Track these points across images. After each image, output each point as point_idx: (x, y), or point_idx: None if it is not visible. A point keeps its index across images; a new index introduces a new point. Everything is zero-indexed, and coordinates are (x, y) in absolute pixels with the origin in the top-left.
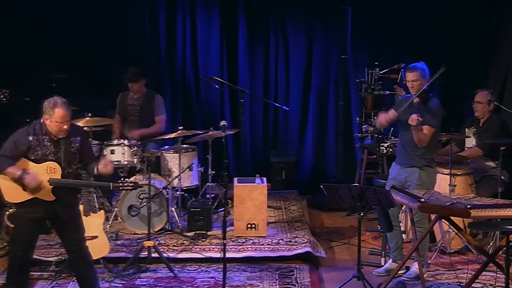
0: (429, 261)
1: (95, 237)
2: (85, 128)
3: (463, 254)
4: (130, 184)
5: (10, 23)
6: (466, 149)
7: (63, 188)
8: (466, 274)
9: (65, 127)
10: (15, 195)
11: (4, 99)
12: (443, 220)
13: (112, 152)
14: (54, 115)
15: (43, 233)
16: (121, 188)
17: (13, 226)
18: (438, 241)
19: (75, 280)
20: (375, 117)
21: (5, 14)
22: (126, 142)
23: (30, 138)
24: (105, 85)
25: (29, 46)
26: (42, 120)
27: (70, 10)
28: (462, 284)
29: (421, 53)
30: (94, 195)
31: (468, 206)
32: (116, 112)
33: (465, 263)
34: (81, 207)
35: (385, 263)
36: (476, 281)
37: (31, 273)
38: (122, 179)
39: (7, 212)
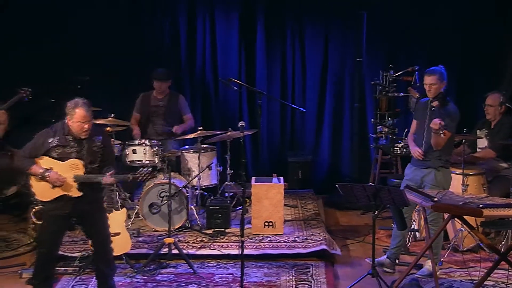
0: (442, 259)
1: (118, 233)
2: (107, 128)
3: (476, 252)
4: (148, 171)
5: (39, 29)
6: (478, 150)
7: (88, 185)
8: (478, 272)
9: (87, 126)
10: (45, 193)
11: (27, 98)
12: (456, 219)
13: (134, 151)
14: (75, 115)
15: (68, 230)
16: (138, 178)
17: (39, 222)
18: (451, 239)
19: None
20: (389, 119)
21: (35, 20)
22: (147, 142)
23: (50, 139)
24: (127, 87)
25: (56, 50)
26: (65, 121)
27: (94, 15)
28: (474, 282)
29: (434, 57)
30: (116, 193)
31: (481, 206)
32: (135, 111)
33: (477, 261)
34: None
35: (399, 261)
36: (488, 278)
37: (56, 268)
38: (141, 169)
39: (33, 210)
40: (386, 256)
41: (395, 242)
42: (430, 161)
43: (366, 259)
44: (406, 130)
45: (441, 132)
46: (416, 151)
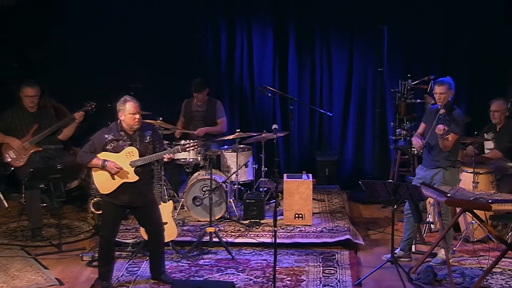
0: (454, 249)
1: (165, 223)
2: (158, 131)
3: (485, 243)
4: (194, 143)
5: (100, 44)
6: (486, 151)
7: (143, 171)
8: (487, 260)
9: (137, 117)
10: (106, 186)
11: (92, 111)
12: (467, 212)
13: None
14: (126, 108)
15: (122, 219)
16: (187, 148)
17: (97, 212)
18: (463, 231)
19: (148, 260)
20: (407, 122)
21: (96, 37)
22: (191, 142)
23: (106, 135)
24: (174, 94)
25: (113, 61)
26: (118, 121)
27: (146, 32)
28: (483, 269)
29: (448, 67)
30: (164, 187)
31: (490, 201)
32: (181, 115)
33: (486, 251)
34: None
35: (415, 250)
36: (496, 266)
37: None
38: (188, 141)
39: (92, 201)
40: (399, 249)
41: (406, 234)
42: (439, 161)
43: (383, 257)
44: None
45: (446, 136)
46: (418, 143)
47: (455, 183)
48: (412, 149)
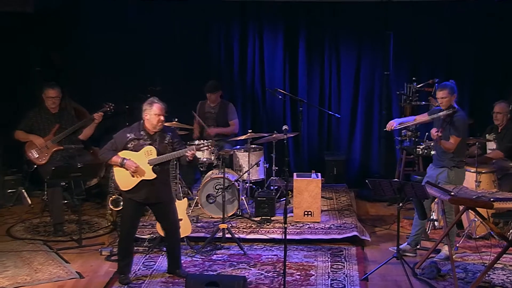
0: (457, 245)
1: (180, 219)
2: (177, 133)
3: (487, 239)
4: (208, 143)
5: (118, 48)
6: (488, 151)
7: (161, 170)
8: (489, 256)
9: (162, 118)
10: (126, 183)
11: (110, 112)
12: (470, 210)
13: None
14: (153, 108)
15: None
16: (201, 148)
17: (116, 209)
18: (466, 228)
19: (164, 255)
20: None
21: (114, 41)
22: (205, 142)
23: (128, 135)
24: (189, 96)
25: (131, 65)
26: (141, 121)
27: (162, 37)
28: (485, 264)
29: (452, 71)
30: (179, 185)
31: (492, 199)
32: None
33: (488, 247)
34: None
35: (420, 246)
36: (498, 262)
37: None
38: (203, 142)
39: (111, 198)
40: (407, 243)
41: (414, 230)
42: (444, 161)
43: (390, 248)
44: (426, 134)
45: (438, 140)
46: (433, 131)
47: (460, 183)
48: (417, 149)
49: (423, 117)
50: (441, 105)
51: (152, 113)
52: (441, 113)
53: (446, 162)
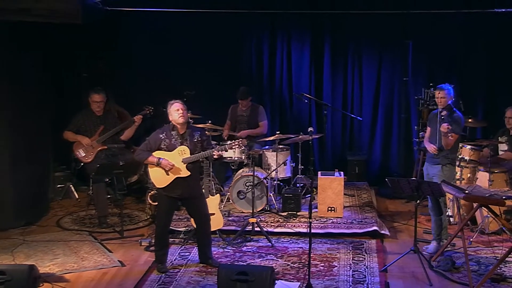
0: (471, 239)
1: (213, 214)
2: (205, 132)
3: (499, 235)
4: (239, 141)
5: (157, 55)
6: (500, 152)
7: (193, 167)
8: (501, 250)
9: (180, 112)
10: (161, 180)
11: (149, 115)
12: (483, 207)
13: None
14: (173, 107)
15: (175, 210)
16: (233, 147)
17: (154, 203)
18: (479, 224)
19: (197, 246)
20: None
21: (154, 49)
22: (235, 141)
23: (161, 135)
24: (222, 99)
25: (169, 71)
26: (171, 122)
27: (197, 44)
28: (497, 258)
29: (466, 77)
30: (212, 182)
31: (504, 197)
32: (228, 119)
33: (500, 242)
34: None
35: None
36: (509, 256)
37: None
38: (233, 141)
39: (149, 193)
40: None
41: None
42: (439, 159)
43: (424, 251)
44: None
45: (449, 134)
46: (431, 147)
47: (451, 180)
48: None
49: (428, 131)
50: (439, 104)
51: (172, 111)
52: (443, 113)
53: (441, 160)
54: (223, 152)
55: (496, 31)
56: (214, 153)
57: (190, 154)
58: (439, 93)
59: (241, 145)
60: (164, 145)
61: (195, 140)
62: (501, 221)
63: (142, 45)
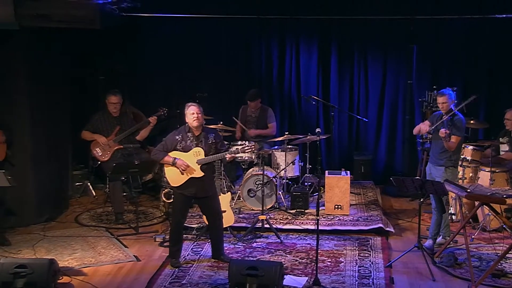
0: (473, 237)
1: (224, 211)
2: (219, 134)
3: (500, 232)
4: (251, 146)
5: (171, 59)
6: (501, 153)
7: (207, 168)
8: (501, 247)
9: (195, 115)
10: (176, 179)
11: (164, 116)
12: (484, 205)
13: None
14: (189, 110)
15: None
16: (246, 150)
17: (168, 201)
18: (481, 221)
19: (210, 242)
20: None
21: (168, 53)
22: (247, 143)
23: (177, 137)
24: (233, 101)
25: (182, 74)
26: (187, 124)
27: (209, 49)
28: (498, 254)
29: (469, 80)
30: (223, 181)
31: (505, 196)
32: (238, 119)
33: (501, 239)
34: None
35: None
36: (510, 252)
37: None
38: (245, 143)
39: (164, 191)
40: (441, 237)
41: (442, 224)
42: (442, 160)
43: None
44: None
45: (447, 139)
46: (425, 126)
47: (454, 181)
48: None
49: (425, 126)
50: (442, 109)
51: (188, 114)
52: (445, 117)
53: (445, 162)
54: (236, 155)
55: (497, 37)
56: (227, 156)
57: (205, 156)
58: (440, 98)
59: (254, 150)
60: (180, 146)
61: (210, 142)
62: (502, 219)
63: (157, 49)
